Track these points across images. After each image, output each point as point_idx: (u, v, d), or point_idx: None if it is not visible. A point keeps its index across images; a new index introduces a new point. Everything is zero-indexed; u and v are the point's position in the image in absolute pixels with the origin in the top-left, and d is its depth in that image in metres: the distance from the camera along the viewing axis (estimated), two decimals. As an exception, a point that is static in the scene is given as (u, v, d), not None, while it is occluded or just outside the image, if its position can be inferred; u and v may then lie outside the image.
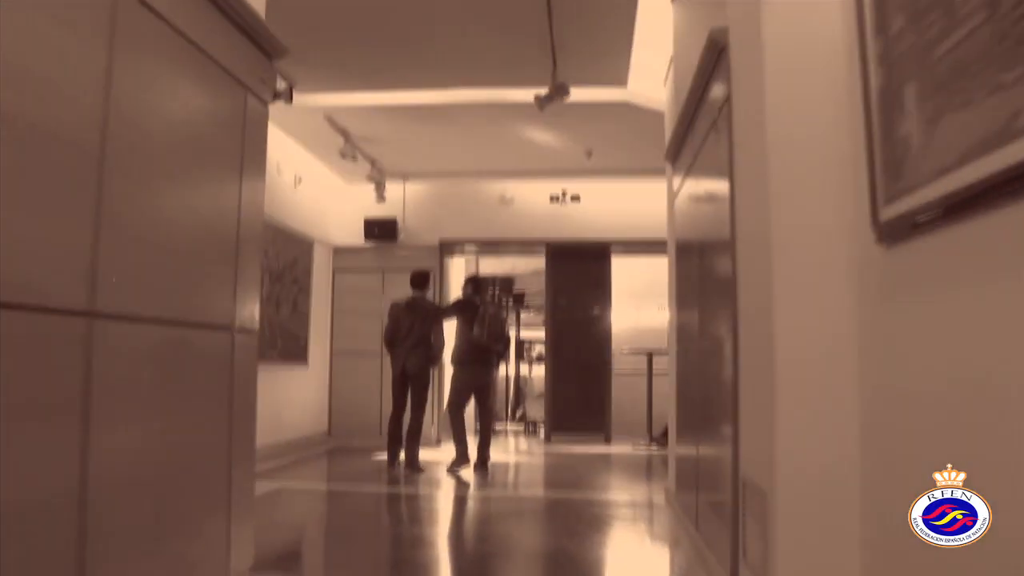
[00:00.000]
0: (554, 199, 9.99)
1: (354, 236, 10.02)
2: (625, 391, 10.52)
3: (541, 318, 20.29)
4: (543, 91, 6.02)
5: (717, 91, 3.54)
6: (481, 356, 7.61)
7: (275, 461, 7.97)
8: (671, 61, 5.84)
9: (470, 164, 9.41)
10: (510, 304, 17.79)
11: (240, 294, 3.31)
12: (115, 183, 2.31)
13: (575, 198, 9.96)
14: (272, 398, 8.30)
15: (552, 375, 10.46)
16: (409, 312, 7.66)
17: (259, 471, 7.56)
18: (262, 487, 6.36)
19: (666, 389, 10.45)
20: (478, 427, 8.30)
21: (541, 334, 17.84)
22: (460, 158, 9.19)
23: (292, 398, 8.90)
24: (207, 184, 3.05)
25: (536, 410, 13.96)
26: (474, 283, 7.98)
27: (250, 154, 3.38)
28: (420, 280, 7.84)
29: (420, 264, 9.74)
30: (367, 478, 7.38)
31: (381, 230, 9.91)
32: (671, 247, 5.79)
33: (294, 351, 8.87)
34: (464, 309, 7.67)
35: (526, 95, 6.42)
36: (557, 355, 10.47)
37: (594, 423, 10.27)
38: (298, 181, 8.89)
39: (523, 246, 10.46)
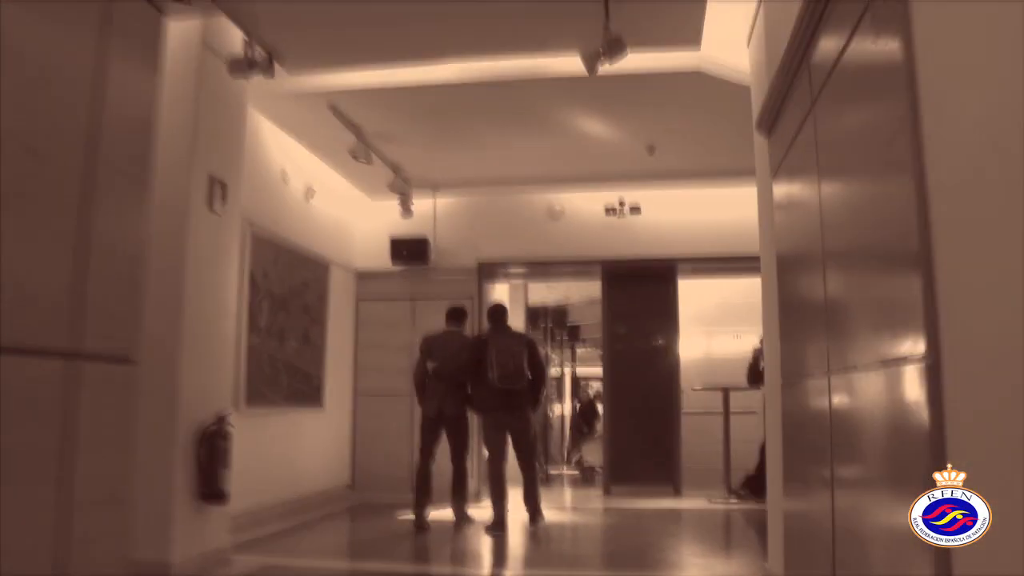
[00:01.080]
0: (610, 211, 8.58)
1: (379, 259, 8.73)
2: (696, 434, 8.97)
3: (599, 352, 18.81)
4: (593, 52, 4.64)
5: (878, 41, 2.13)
6: (502, 400, 6.46)
7: (280, 523, 6.64)
8: (759, 7, 4.43)
9: (509, 169, 8.06)
10: (564, 339, 16.34)
11: (95, 295, 2.09)
12: None
13: (635, 209, 8.54)
14: (277, 447, 7.00)
15: (611, 416, 8.96)
16: (442, 349, 6.74)
17: (258, 536, 6.29)
18: (244, 563, 5.01)
19: (750, 431, 9.08)
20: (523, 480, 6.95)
21: (599, 370, 16.44)
22: (496, 162, 7.85)
23: (304, 447, 7.57)
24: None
25: (595, 454, 12.45)
26: (490, 313, 6.92)
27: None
28: (457, 315, 7.03)
29: (455, 290, 8.47)
30: (386, 549, 5.97)
31: (410, 251, 8.60)
32: (768, 260, 4.32)
33: (305, 392, 7.55)
34: (474, 348, 6.62)
35: (570, 65, 5.06)
36: (616, 393, 8.98)
37: (660, 472, 8.72)
38: (310, 193, 7.65)
39: (575, 267, 9.04)
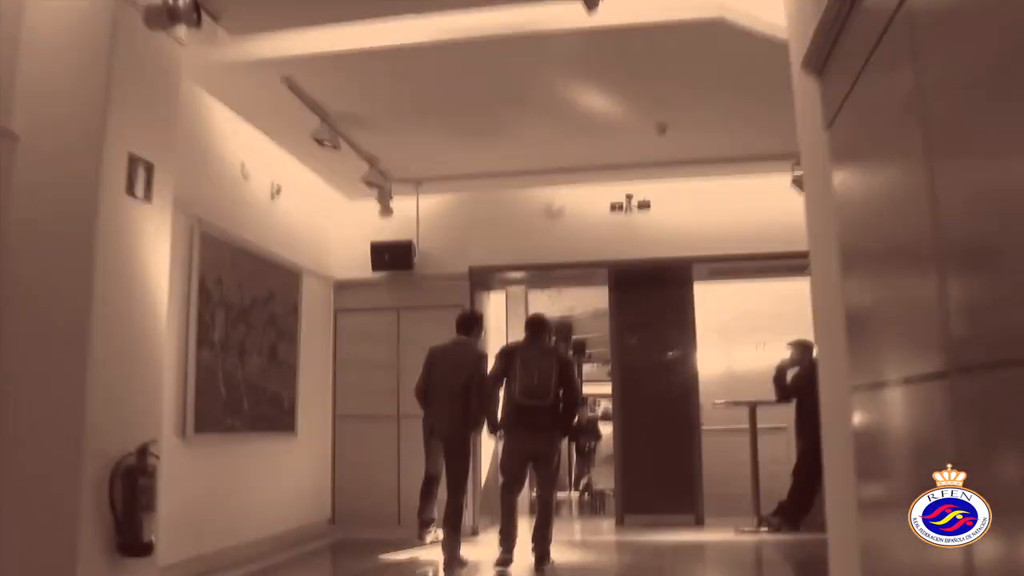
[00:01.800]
0: (616, 208, 7.65)
1: (359, 266, 7.82)
2: (718, 454, 8.00)
3: (607, 370, 17.85)
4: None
5: None
6: (523, 418, 5.63)
7: (245, 567, 5.70)
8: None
9: (500, 160, 7.14)
10: (569, 355, 15.38)
11: None
12: None
13: (644, 205, 7.61)
14: (240, 480, 6.11)
15: (622, 437, 8.00)
16: (442, 360, 6.03)
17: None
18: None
19: (778, 450, 8.14)
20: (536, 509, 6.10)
21: (607, 388, 15.56)
22: (485, 151, 6.93)
23: (274, 478, 6.63)
24: None
25: (605, 478, 11.52)
26: (528, 323, 6.19)
27: None
28: (466, 323, 6.25)
29: (444, 299, 7.56)
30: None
31: (393, 257, 7.68)
32: (823, 252, 3.32)
33: (273, 416, 6.62)
34: (502, 357, 5.87)
35: (565, 17, 4.19)
36: (627, 410, 8.02)
37: (680, 498, 7.75)
38: (276, 191, 6.76)
39: (578, 271, 8.09)
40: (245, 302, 6.20)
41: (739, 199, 7.40)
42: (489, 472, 7.93)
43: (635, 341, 8.08)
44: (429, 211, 7.81)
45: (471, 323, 6.24)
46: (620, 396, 8.09)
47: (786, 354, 7.40)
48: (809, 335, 7.53)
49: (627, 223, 7.64)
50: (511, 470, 5.74)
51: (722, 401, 7.65)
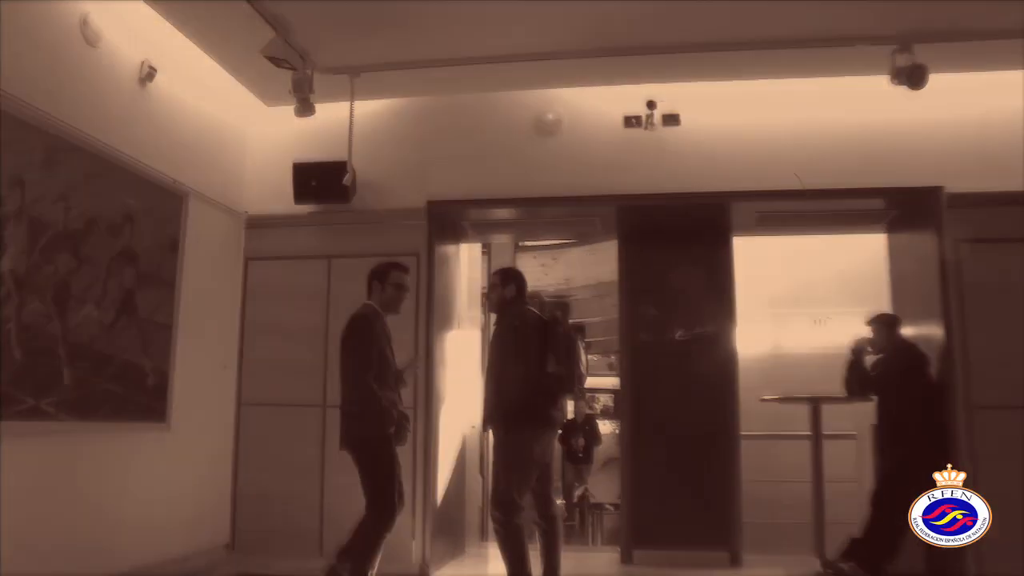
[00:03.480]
0: (633, 122, 5.51)
1: (277, 197, 5.70)
2: (763, 469, 5.92)
3: (608, 361, 15.55)
4: None
5: None
6: (548, 412, 4.32)
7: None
8: None
9: (472, 45, 5.00)
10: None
11: None
12: None
13: (670, 118, 5.45)
14: (70, 492, 4.04)
15: (631, 442, 5.88)
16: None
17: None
18: None
19: (845, 465, 5.99)
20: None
21: (607, 381, 13.44)
22: (450, 30, 4.81)
23: (135, 489, 4.56)
24: None
25: (605, 488, 9.51)
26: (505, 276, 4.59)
27: None
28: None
29: (394, 244, 5.47)
30: None
31: (322, 184, 5.55)
32: None
33: (125, 398, 4.51)
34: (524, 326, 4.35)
35: None
36: (639, 406, 5.90)
37: (709, 528, 5.66)
38: (147, 75, 4.65)
39: (576, 213, 5.93)
40: (73, 223, 4.08)
41: (804, 107, 5.33)
42: (450, 486, 5.85)
43: (652, 313, 5.96)
44: (373, 120, 5.66)
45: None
46: (630, 387, 5.97)
47: (860, 333, 5.31)
48: (890, 308, 5.55)
49: (647, 143, 5.47)
50: (524, 486, 4.20)
51: (772, 396, 5.50)
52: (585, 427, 10.06)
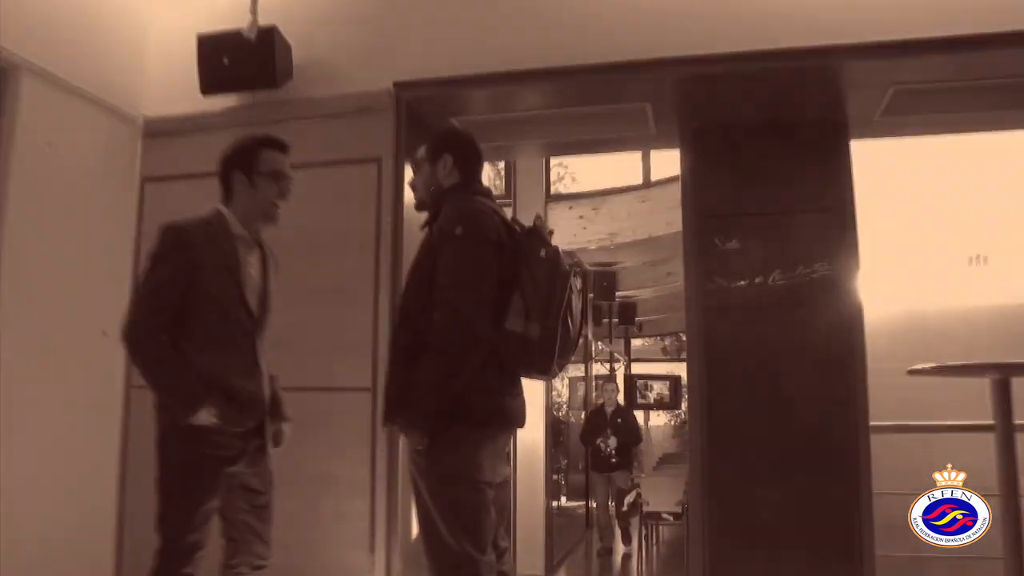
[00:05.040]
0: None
1: (183, 91, 3.94)
2: (902, 476, 3.97)
3: (663, 344, 13.89)
4: None
5: None
6: (501, 401, 2.38)
7: None
8: None
9: None
10: (612, 322, 11.31)
11: None
12: None
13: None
14: None
15: (706, 438, 3.98)
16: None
17: None
18: None
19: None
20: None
21: (657, 368, 11.79)
22: None
23: None
24: None
25: (661, 494, 7.80)
26: (443, 145, 2.52)
27: None
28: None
29: (344, 149, 3.68)
30: None
31: (238, 63, 3.75)
32: None
33: None
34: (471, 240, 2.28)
35: None
36: (715, 385, 4.01)
37: (826, 561, 3.73)
38: None
39: (611, 81, 3.93)
40: None
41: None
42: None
43: (734, 247, 4.04)
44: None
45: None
46: (702, 357, 4.07)
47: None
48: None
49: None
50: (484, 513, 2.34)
51: (927, 365, 3.54)
52: (617, 420, 8.17)
